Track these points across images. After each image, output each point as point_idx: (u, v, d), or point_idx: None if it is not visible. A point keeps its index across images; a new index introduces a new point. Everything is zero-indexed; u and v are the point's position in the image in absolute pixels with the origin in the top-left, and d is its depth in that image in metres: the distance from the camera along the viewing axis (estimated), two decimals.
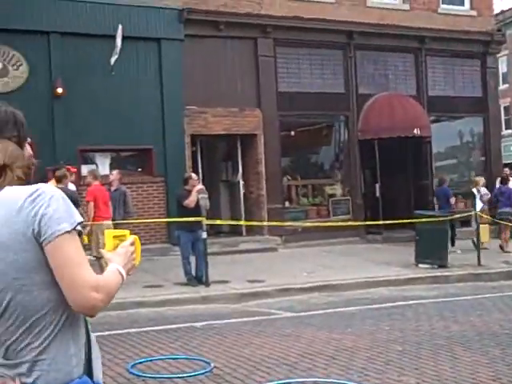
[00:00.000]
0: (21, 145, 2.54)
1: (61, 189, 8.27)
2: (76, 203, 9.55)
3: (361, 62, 17.40)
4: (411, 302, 9.73)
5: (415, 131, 16.78)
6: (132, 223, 12.45)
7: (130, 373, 6.11)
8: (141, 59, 14.72)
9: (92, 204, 10.94)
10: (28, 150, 2.59)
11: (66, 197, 1.99)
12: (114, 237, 2.20)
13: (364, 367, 6.16)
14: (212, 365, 6.28)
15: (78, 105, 13.86)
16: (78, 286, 1.89)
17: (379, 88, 17.53)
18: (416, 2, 17.98)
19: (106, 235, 2.22)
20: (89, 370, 2.02)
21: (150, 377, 6.03)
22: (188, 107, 15.01)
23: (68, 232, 1.92)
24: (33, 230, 1.90)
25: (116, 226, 10.69)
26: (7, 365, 1.97)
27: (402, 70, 18.08)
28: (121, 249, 2.14)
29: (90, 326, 2.09)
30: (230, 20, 15.37)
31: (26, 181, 2.08)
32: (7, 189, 2.00)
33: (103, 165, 14.33)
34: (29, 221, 1.91)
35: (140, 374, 6.11)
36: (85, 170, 14.00)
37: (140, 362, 6.48)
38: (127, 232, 2.25)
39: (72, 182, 11.77)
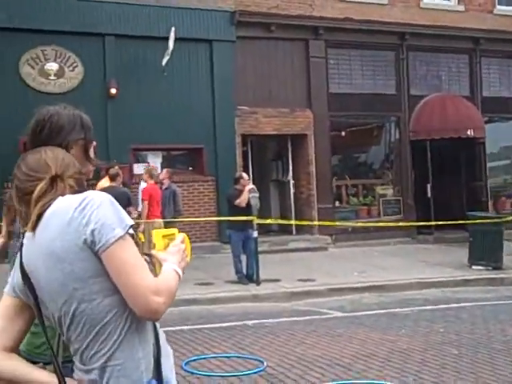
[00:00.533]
0: (87, 147, 2.59)
1: (113, 187, 8.47)
2: (129, 201, 9.72)
3: (413, 63, 17.22)
4: (466, 304, 9.57)
5: (468, 132, 16.51)
6: (183, 221, 12.59)
7: (184, 370, 6.16)
8: (193, 60, 14.86)
9: (146, 203, 11.09)
10: (92, 152, 2.65)
11: (115, 201, 1.99)
12: (163, 236, 2.18)
13: (419, 370, 6.08)
14: (265, 364, 6.30)
15: (131, 105, 14.07)
16: (138, 292, 1.88)
17: (432, 89, 17.31)
18: (471, 3, 17.69)
19: (154, 235, 2.18)
20: (158, 372, 2.02)
21: (203, 374, 6.06)
22: (239, 107, 15.09)
23: (121, 237, 1.91)
24: (85, 239, 1.90)
25: (166, 225, 10.83)
26: (83, 370, 2.00)
27: (455, 70, 17.81)
28: (173, 248, 2.13)
29: (158, 325, 2.08)
30: (281, 22, 15.38)
31: (78, 188, 2.09)
32: (59, 199, 2.01)
33: (155, 163, 14.50)
34: (80, 231, 1.91)
35: (194, 371, 6.16)
36: (137, 168, 14.25)
37: (193, 360, 6.53)
38: (175, 230, 2.23)
39: (157, 182, 12.17)
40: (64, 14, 13.54)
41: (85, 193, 2.01)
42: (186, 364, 6.32)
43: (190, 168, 15.28)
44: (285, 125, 15.69)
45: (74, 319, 1.95)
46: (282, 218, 15.98)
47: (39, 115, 2.51)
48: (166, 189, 12.29)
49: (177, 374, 6.30)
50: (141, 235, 10.33)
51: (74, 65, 13.83)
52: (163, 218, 11.49)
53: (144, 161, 14.62)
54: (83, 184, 2.15)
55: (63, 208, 1.97)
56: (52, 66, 13.65)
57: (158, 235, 2.18)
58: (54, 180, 2.04)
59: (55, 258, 1.93)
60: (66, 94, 13.33)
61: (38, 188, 2.01)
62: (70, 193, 2.04)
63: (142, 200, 11.18)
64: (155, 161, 14.65)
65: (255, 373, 6.09)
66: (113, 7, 13.96)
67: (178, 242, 2.15)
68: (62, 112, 2.54)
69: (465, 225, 13.38)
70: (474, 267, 12.41)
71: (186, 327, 8.00)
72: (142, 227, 10.85)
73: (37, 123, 2.50)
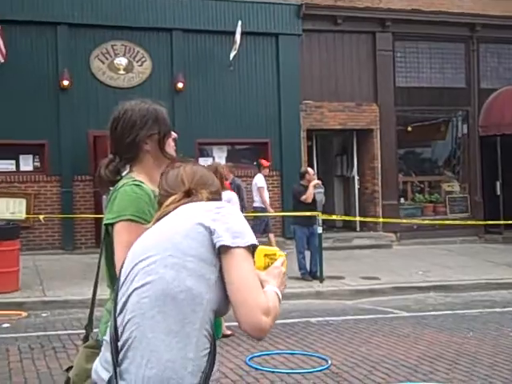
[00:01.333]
0: (162, 141, 2.62)
1: None
2: None
3: (484, 55, 16.76)
4: None
5: None
6: (246, 217, 12.61)
7: (248, 365, 6.20)
8: (259, 54, 14.86)
9: None
10: (172, 145, 2.68)
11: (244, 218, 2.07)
12: (265, 255, 2.17)
13: (488, 374, 5.94)
14: (330, 362, 6.27)
15: (198, 99, 14.21)
16: (251, 307, 1.90)
17: (503, 82, 16.80)
18: None
19: (256, 252, 2.16)
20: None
21: (267, 370, 6.08)
22: (305, 101, 15.03)
23: (244, 248, 1.96)
24: (208, 226, 1.96)
25: None
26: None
27: None
28: (274, 269, 2.12)
29: (217, 342, 2.04)
30: (348, 14, 15.21)
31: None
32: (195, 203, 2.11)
33: (220, 158, 14.58)
34: (208, 220, 1.98)
35: (258, 367, 6.19)
36: (202, 163, 14.35)
37: (257, 356, 6.56)
38: (276, 250, 2.22)
39: (265, 175, 12.87)
40: (133, 9, 13.77)
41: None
42: (249, 359, 6.36)
43: (255, 163, 15.29)
44: (350, 119, 15.53)
45: (149, 283, 1.94)
46: (346, 214, 15.85)
47: (115, 112, 2.57)
48: (230, 184, 12.35)
49: (241, 369, 6.31)
50: None
51: (143, 59, 14.04)
52: None
53: (209, 155, 14.73)
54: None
55: (197, 205, 2.07)
56: (121, 61, 13.89)
57: (259, 253, 2.17)
58: (188, 192, 2.14)
59: (171, 233, 2.00)
60: (135, 88, 13.55)
61: (171, 198, 2.12)
62: None
63: None
64: (220, 155, 14.74)
65: (319, 371, 6.07)
66: (180, 2, 14.10)
67: (279, 264, 2.15)
68: (135, 108, 2.58)
69: None
70: None
71: None
72: None
73: (113, 120, 2.56)
